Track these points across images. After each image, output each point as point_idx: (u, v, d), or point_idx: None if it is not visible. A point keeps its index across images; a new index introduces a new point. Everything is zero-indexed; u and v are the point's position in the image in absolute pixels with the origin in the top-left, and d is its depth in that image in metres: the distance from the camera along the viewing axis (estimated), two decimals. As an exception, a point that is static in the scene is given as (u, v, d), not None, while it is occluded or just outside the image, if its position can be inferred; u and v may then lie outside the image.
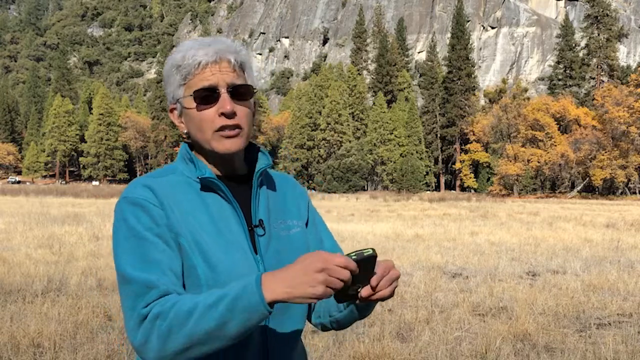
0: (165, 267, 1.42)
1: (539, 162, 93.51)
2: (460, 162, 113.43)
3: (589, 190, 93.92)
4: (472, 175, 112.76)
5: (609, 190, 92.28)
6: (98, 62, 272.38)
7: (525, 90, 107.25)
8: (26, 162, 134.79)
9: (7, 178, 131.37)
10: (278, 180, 1.69)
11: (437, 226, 22.58)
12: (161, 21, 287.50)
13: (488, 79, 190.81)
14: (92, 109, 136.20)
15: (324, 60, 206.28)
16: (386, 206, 44.21)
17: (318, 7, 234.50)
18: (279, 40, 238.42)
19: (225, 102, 1.49)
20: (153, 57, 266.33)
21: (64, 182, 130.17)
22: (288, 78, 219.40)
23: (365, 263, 1.34)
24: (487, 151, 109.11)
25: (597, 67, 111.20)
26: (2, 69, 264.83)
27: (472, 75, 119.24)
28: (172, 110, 1.59)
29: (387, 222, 24.59)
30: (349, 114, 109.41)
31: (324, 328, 1.71)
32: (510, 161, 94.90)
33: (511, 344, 6.29)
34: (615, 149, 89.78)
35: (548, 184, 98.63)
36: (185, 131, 1.58)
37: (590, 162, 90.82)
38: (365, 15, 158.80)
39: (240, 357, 1.48)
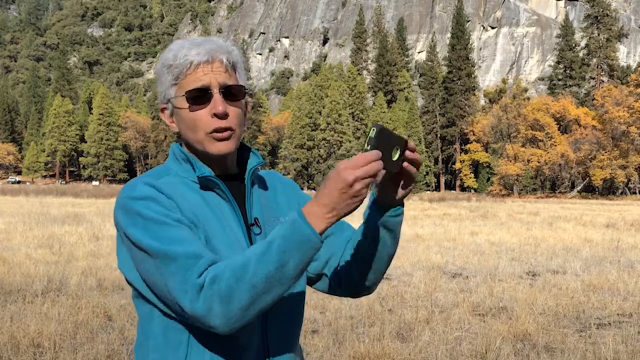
0: (199, 241, 1.42)
1: (539, 162, 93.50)
2: (460, 162, 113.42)
3: (589, 190, 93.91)
4: (472, 175, 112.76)
5: (609, 190, 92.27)
6: (98, 62, 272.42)
7: (525, 90, 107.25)
8: (26, 162, 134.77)
9: (7, 178, 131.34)
10: (267, 178, 1.70)
11: (437, 226, 22.57)
12: (161, 21, 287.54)
13: (488, 79, 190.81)
14: (92, 109, 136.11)
15: (324, 60, 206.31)
16: (386, 206, 44.07)
17: (318, 7, 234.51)
18: (279, 40, 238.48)
19: (218, 102, 1.49)
20: (153, 57, 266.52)
21: (64, 182, 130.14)
22: (288, 78, 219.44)
23: (381, 140, 1.35)
24: (487, 151, 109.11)
25: (597, 67, 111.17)
26: (2, 69, 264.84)
27: (472, 75, 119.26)
28: (163, 110, 1.59)
29: (387, 222, 24.50)
30: (349, 114, 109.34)
31: (350, 283, 1.65)
32: (510, 161, 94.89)
33: (511, 344, 6.29)
34: (615, 149, 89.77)
35: (548, 184, 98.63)
36: (176, 130, 1.58)
37: (590, 162, 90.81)
38: (365, 15, 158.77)
39: (241, 355, 1.48)
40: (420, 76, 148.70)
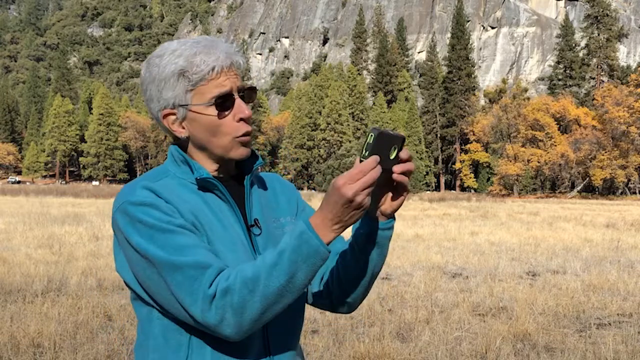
0: (204, 248, 1.41)
1: (539, 162, 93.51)
2: (460, 162, 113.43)
3: (589, 190, 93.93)
4: (472, 175, 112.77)
5: (609, 190, 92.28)
6: (98, 62, 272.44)
7: (525, 90, 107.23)
8: (26, 162, 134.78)
9: (7, 178, 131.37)
10: (266, 179, 1.69)
11: (437, 226, 22.57)
12: (161, 21, 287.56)
13: (488, 79, 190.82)
14: (92, 109, 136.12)
15: (324, 60, 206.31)
16: (386, 206, 44.07)
17: (318, 7, 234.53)
18: (279, 40, 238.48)
19: (243, 107, 1.49)
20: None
21: (64, 182, 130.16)
22: (288, 78, 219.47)
23: (379, 143, 1.35)
24: (487, 151, 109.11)
25: (597, 67, 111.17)
26: (2, 69, 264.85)
27: (472, 75, 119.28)
28: (167, 116, 1.52)
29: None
30: (349, 114, 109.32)
31: (341, 295, 1.62)
32: (510, 161, 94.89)
33: (511, 344, 6.29)
34: (615, 149, 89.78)
35: (548, 184, 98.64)
36: (183, 136, 1.53)
37: (590, 162, 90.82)
38: (365, 15, 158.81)
39: (242, 354, 1.47)
40: (420, 76, 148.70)
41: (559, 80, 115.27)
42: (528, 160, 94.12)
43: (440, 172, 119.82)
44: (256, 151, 1.63)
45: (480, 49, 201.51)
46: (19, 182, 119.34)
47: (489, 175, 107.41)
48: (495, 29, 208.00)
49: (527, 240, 17.70)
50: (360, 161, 1.33)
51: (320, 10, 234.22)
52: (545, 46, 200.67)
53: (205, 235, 1.45)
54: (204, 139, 1.51)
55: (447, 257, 13.35)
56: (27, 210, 29.69)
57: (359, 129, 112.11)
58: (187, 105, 1.49)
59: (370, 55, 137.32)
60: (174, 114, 1.51)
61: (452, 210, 35.74)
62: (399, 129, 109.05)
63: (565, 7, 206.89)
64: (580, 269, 11.72)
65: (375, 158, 1.32)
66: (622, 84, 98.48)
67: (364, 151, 1.34)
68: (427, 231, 19.96)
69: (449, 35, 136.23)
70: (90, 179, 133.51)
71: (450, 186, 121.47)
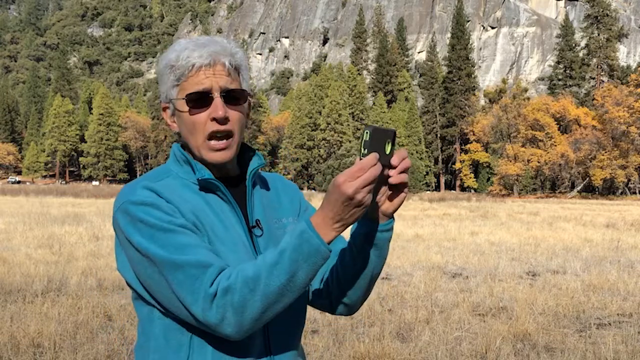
0: (205, 247, 1.41)
1: (539, 162, 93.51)
2: (460, 162, 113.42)
3: (589, 190, 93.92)
4: (472, 175, 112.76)
5: (609, 190, 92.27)
6: (98, 62, 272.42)
7: (525, 90, 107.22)
8: (26, 162, 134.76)
9: (7, 178, 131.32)
10: (268, 179, 1.69)
11: (437, 226, 22.57)
12: (161, 21, 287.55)
13: (488, 79, 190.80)
14: (92, 109, 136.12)
15: (324, 60, 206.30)
16: (386, 206, 44.05)
17: (318, 7, 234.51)
18: (279, 40, 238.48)
19: (218, 107, 1.47)
20: (153, 57, 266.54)
21: (64, 182, 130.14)
22: (288, 78, 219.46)
23: (374, 140, 1.35)
24: (487, 151, 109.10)
25: (597, 67, 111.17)
26: (2, 69, 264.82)
27: (472, 75, 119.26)
28: (165, 109, 1.57)
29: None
30: (349, 114, 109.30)
31: (338, 296, 1.62)
32: (510, 161, 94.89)
33: (511, 344, 6.29)
34: (615, 149, 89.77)
35: (548, 184, 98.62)
36: (177, 131, 1.57)
37: (590, 162, 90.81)
38: (365, 15, 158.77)
39: (243, 354, 1.47)
40: (420, 76, 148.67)
41: (559, 80, 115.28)
42: (528, 160, 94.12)
43: (440, 172, 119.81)
44: (257, 151, 1.63)
45: (480, 49, 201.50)
46: (19, 182, 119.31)
47: (489, 175, 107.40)
48: (495, 29, 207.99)
49: (527, 240, 17.70)
50: (360, 159, 1.33)
51: (320, 10, 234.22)
52: (545, 46, 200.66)
53: (206, 236, 1.45)
54: (186, 136, 1.52)
55: (447, 257, 13.35)
56: (27, 210, 29.68)
57: (359, 129, 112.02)
58: (172, 99, 1.52)
59: (370, 55, 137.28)
60: (168, 107, 1.56)
61: (452, 210, 35.74)
62: (399, 129, 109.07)
63: (565, 7, 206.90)
64: (580, 269, 11.72)
65: (375, 155, 1.33)
66: (622, 84, 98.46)
67: (362, 149, 1.34)
68: (427, 231, 19.96)
69: (449, 35, 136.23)
70: (90, 179, 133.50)
71: (450, 186, 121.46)
